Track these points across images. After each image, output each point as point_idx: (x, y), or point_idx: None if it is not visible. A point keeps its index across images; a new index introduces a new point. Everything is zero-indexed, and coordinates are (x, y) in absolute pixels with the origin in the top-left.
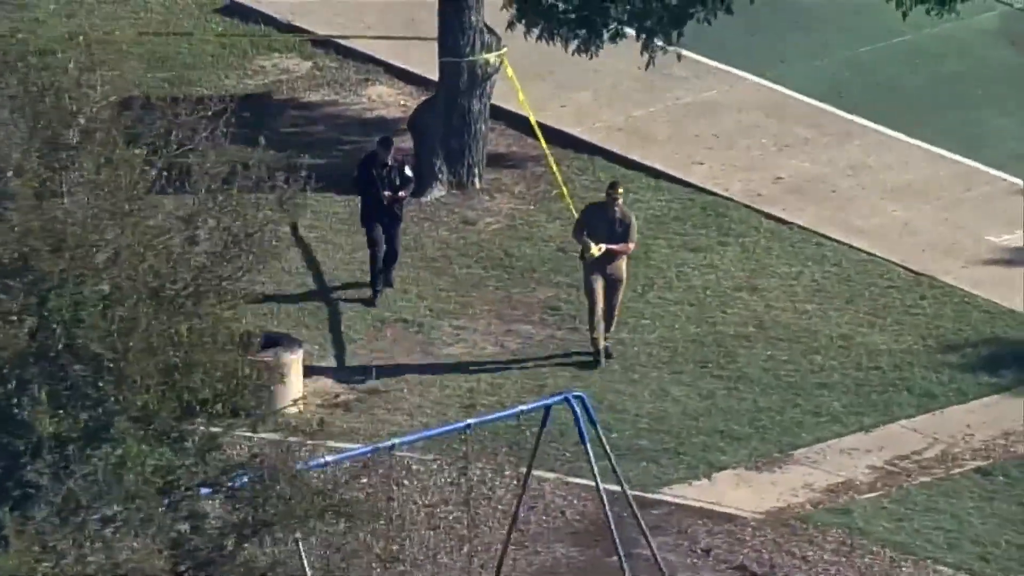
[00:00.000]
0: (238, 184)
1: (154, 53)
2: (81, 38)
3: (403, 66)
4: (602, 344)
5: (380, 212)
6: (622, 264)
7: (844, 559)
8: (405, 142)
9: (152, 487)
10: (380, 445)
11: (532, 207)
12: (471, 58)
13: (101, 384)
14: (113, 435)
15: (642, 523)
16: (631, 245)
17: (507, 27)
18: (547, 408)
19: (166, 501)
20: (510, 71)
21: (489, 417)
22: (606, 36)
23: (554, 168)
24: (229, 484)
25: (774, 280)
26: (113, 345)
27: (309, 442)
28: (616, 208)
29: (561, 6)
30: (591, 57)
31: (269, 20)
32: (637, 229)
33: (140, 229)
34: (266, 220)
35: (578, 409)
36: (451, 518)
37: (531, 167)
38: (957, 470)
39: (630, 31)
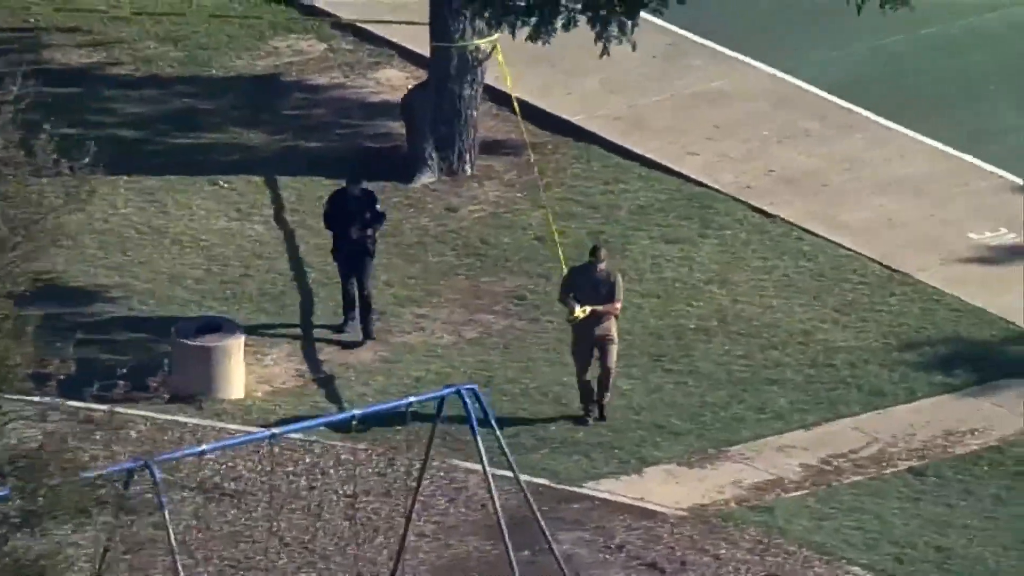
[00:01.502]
0: (24, 170)
1: (170, 33)
2: None
3: (417, 50)
4: (594, 405)
5: (350, 248)
6: (611, 325)
7: (757, 558)
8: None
9: None
10: (258, 435)
11: (520, 195)
12: (462, 43)
13: None
14: None
15: (538, 516)
16: (617, 305)
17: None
18: (441, 400)
19: None
20: (500, 57)
21: (376, 408)
22: (559, 23)
23: (529, 149)
24: None
25: (746, 274)
26: None
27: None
28: (600, 269)
29: None
30: (543, 44)
31: (291, 1)
32: (623, 287)
33: None
34: (50, 208)
35: (469, 401)
36: (369, 508)
37: (526, 154)
38: (890, 470)
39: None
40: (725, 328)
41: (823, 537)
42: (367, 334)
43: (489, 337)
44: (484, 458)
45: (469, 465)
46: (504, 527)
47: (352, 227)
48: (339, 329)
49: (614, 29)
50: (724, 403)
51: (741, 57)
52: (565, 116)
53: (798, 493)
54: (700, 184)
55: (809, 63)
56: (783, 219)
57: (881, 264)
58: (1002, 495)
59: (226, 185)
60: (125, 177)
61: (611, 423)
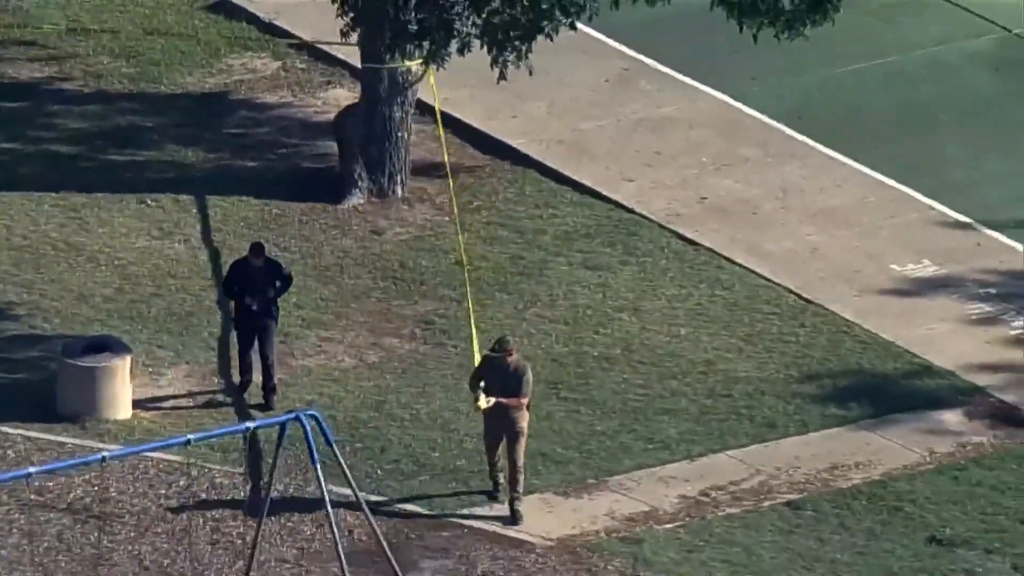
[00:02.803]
0: None
1: (125, 48)
2: None
3: None
4: (508, 501)
5: (251, 318)
6: (519, 417)
7: None
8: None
9: None
10: (89, 458)
11: (447, 219)
12: (392, 64)
13: None
14: None
15: (384, 543)
16: (523, 400)
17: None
18: (283, 425)
19: None
20: (432, 79)
21: (213, 432)
22: (453, 48)
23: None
24: None
25: (660, 302)
26: None
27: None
28: (508, 362)
29: (403, 17)
30: (438, 69)
31: (252, 19)
32: (531, 382)
33: None
34: None
35: (309, 427)
36: (234, 534)
37: (463, 177)
38: (768, 503)
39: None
40: (628, 357)
41: (688, 569)
42: (268, 404)
43: (390, 362)
44: (323, 484)
45: (341, 490)
46: (343, 556)
47: (255, 298)
48: (239, 392)
49: (510, 54)
50: (613, 432)
51: (693, 83)
52: (506, 140)
53: (671, 525)
54: (629, 211)
55: (760, 91)
56: (706, 247)
57: (796, 294)
58: (876, 530)
59: (153, 203)
60: (53, 194)
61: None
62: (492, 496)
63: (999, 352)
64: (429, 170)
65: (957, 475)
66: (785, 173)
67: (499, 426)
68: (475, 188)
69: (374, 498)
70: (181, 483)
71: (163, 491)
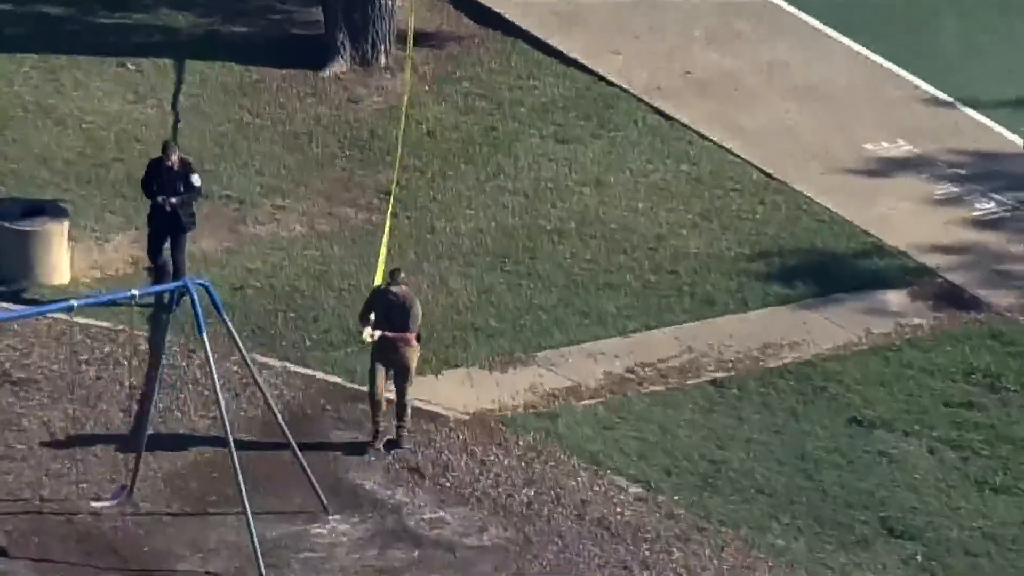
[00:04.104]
0: None
1: None
2: None
3: None
4: (379, 441)
5: (164, 218)
6: (407, 352)
7: (524, 464)
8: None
9: None
10: (60, 305)
11: (426, 88)
12: None
13: None
14: None
15: (278, 416)
16: (409, 334)
17: None
18: (173, 292)
19: None
20: None
21: (97, 299)
22: None
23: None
24: None
25: (624, 176)
26: None
27: None
28: (398, 295)
29: None
30: None
31: None
32: (419, 316)
33: None
34: None
35: (196, 296)
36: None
37: (450, 47)
38: (693, 381)
39: None
40: (581, 231)
41: (598, 446)
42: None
43: (341, 231)
44: (209, 351)
45: (268, 360)
46: (227, 425)
47: (165, 197)
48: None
49: None
50: (550, 306)
51: None
52: (500, 10)
53: (591, 401)
54: (610, 84)
55: None
56: (680, 122)
57: (762, 171)
58: (798, 410)
59: (133, 67)
60: (35, 55)
61: (425, 323)
62: (371, 444)
63: (956, 233)
64: (419, 39)
65: (888, 356)
66: (773, 48)
67: (385, 360)
68: (461, 57)
69: (296, 368)
70: (105, 350)
71: (84, 357)
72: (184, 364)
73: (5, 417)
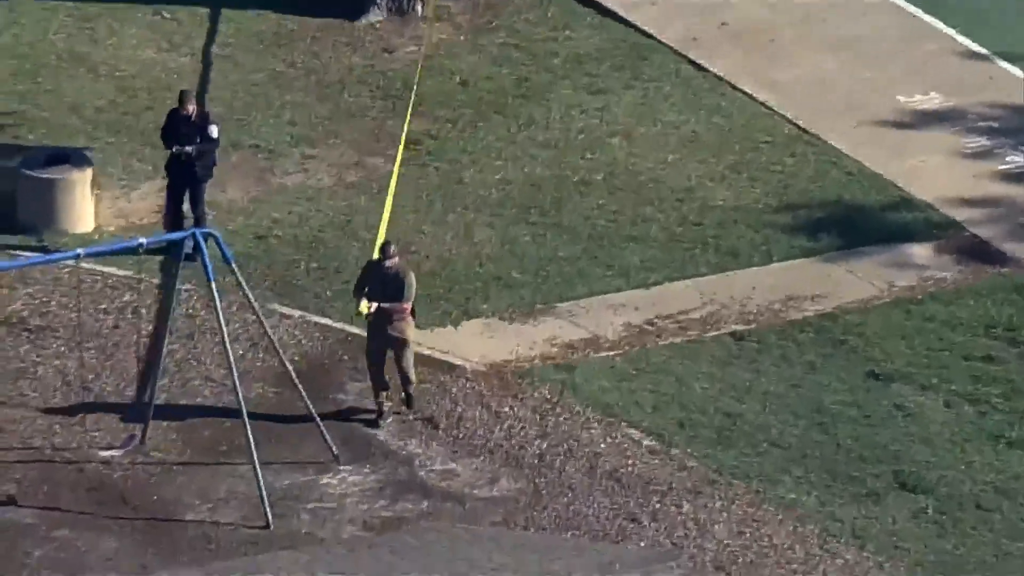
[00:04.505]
0: None
1: None
2: None
3: None
4: (385, 407)
5: (178, 169)
6: (403, 324)
7: (538, 417)
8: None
9: None
10: (66, 254)
11: (462, 39)
12: None
13: None
14: None
15: (291, 371)
16: (404, 305)
17: None
18: (181, 241)
19: None
20: None
21: (104, 248)
22: None
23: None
24: None
25: (655, 128)
26: None
27: None
28: (389, 267)
29: None
30: None
31: None
32: (413, 287)
33: None
34: None
35: (204, 246)
36: (166, 351)
37: None
38: (712, 333)
39: None
40: (609, 182)
41: (614, 398)
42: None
43: (369, 182)
44: (218, 300)
45: (286, 310)
46: (235, 373)
47: (181, 147)
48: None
49: None
50: (574, 258)
51: None
52: None
53: (609, 353)
54: (646, 35)
55: None
56: (714, 74)
57: (794, 124)
58: (817, 363)
59: (168, 16)
60: (69, 3)
61: (448, 274)
62: (373, 423)
63: (984, 186)
64: None
65: (911, 309)
66: (812, 0)
67: (382, 334)
68: (498, 7)
69: (316, 319)
70: (125, 298)
71: (103, 306)
72: (203, 313)
73: (21, 365)
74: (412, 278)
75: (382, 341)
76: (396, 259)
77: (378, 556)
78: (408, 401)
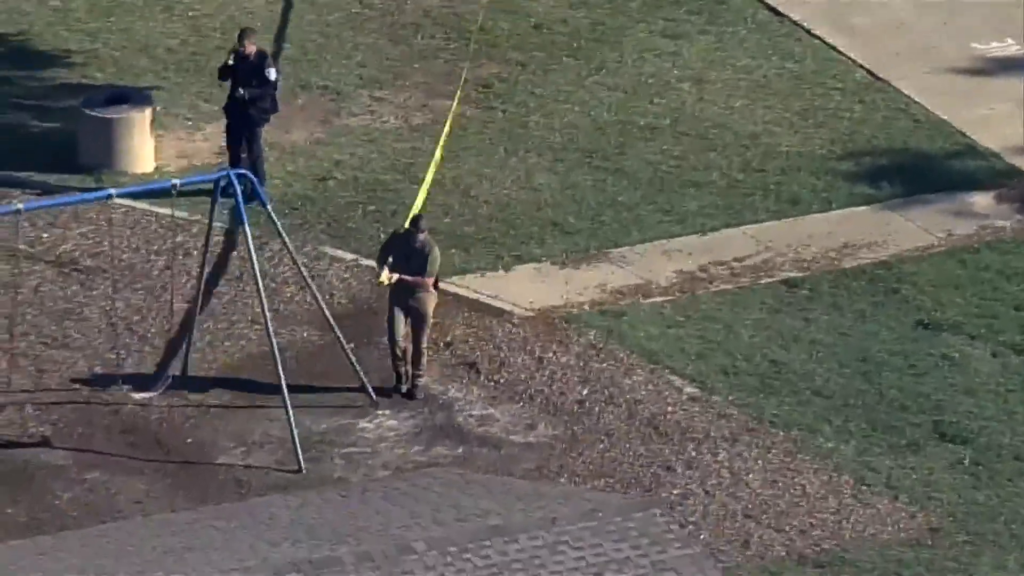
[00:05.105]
0: None
1: None
2: None
3: None
4: (404, 385)
5: (237, 110)
6: (425, 298)
7: (581, 363)
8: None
9: None
10: (97, 194)
11: None
12: None
13: None
14: None
15: (324, 307)
16: (426, 279)
17: None
18: (217, 181)
19: None
20: None
21: (137, 188)
22: None
23: None
24: None
25: (726, 73)
26: None
27: None
28: (417, 240)
29: None
30: None
31: None
32: (436, 262)
33: None
34: None
35: (239, 187)
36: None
37: None
38: (765, 280)
39: None
40: (674, 128)
41: (659, 345)
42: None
43: (434, 124)
44: (250, 238)
45: (338, 253)
46: (267, 315)
47: (238, 89)
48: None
49: None
50: (633, 204)
51: None
52: None
53: (659, 299)
54: None
55: None
56: (791, 20)
57: (866, 70)
58: (867, 311)
59: None
60: None
61: (504, 218)
62: (395, 389)
63: None
64: None
65: (966, 259)
66: None
67: (403, 305)
68: None
69: (367, 262)
70: (178, 239)
71: (155, 247)
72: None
73: (68, 306)
74: (436, 252)
75: (402, 311)
76: (425, 233)
77: (367, 501)
78: (411, 392)
